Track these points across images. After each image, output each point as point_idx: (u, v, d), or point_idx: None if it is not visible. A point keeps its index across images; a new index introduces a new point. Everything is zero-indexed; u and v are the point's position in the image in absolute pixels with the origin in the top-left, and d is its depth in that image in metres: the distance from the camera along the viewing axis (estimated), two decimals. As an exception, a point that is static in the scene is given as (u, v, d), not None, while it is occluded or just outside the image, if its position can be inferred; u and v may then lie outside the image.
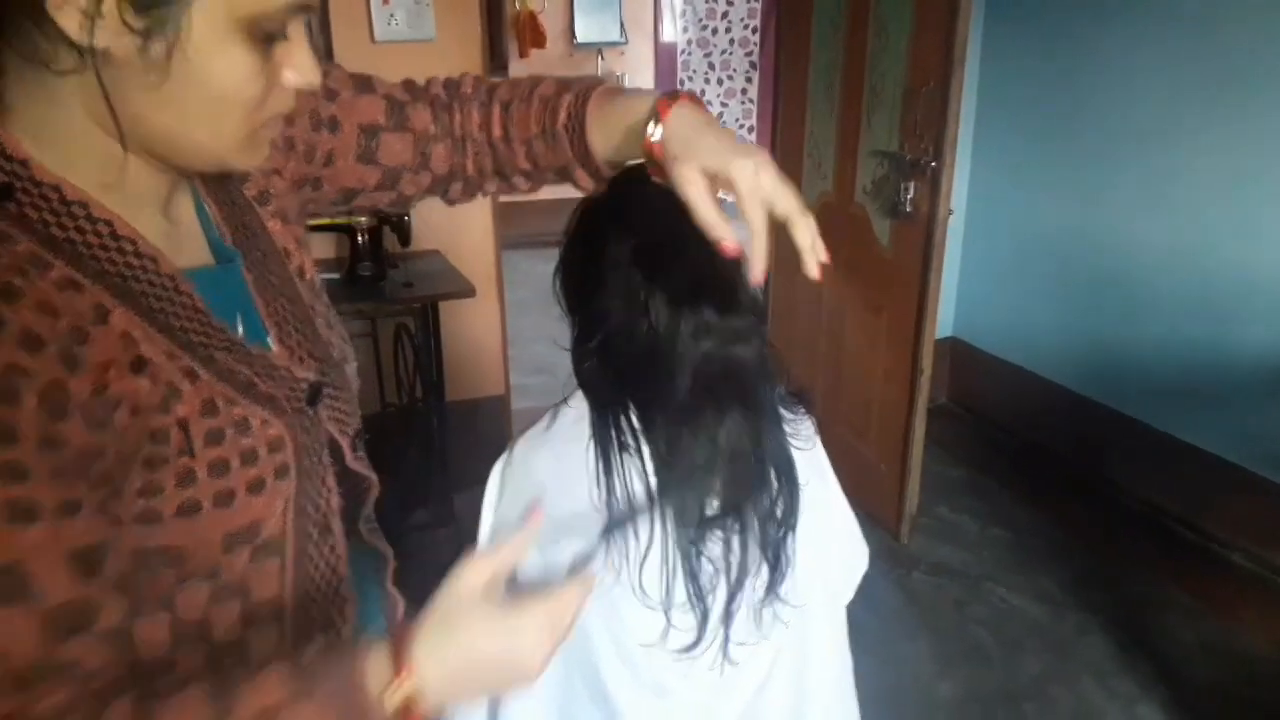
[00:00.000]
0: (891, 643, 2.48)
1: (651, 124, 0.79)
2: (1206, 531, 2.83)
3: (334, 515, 0.83)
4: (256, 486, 0.71)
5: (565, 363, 1.16)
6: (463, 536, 2.70)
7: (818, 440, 1.23)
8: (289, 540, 0.76)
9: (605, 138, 0.87)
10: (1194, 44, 2.73)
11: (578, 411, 1.12)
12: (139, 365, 0.64)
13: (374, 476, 0.91)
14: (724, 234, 0.79)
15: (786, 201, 0.77)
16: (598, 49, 6.57)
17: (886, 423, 2.92)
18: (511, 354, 3.32)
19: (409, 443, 2.80)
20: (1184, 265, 2.83)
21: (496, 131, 0.96)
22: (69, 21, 0.57)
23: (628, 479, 1.07)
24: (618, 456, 1.08)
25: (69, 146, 0.65)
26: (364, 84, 0.94)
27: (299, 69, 0.68)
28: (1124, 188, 3.01)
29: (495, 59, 5.94)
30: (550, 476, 1.12)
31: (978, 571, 2.81)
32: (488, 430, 3.17)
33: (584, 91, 0.89)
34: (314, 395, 0.79)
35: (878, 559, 1.30)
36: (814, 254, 0.81)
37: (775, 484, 1.12)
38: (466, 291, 2.63)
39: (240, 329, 0.75)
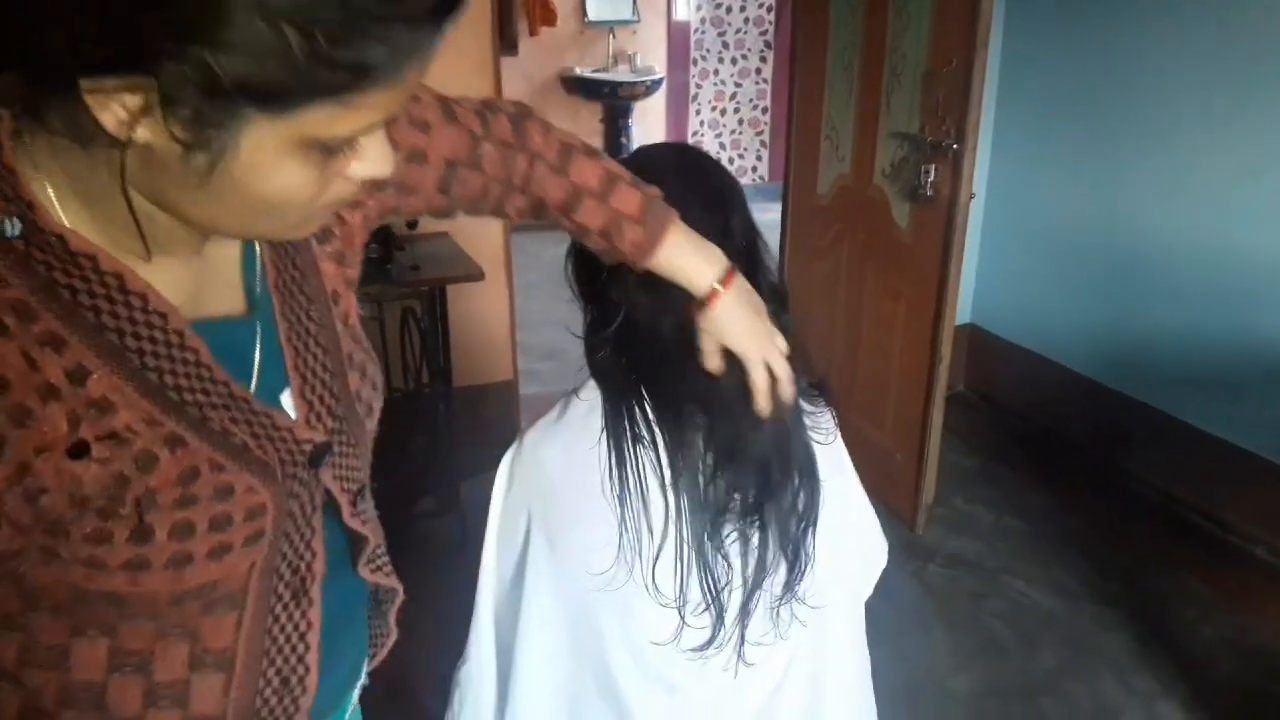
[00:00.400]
0: (906, 636, 2.44)
1: (700, 303, 0.98)
2: (1226, 523, 2.79)
3: (313, 581, 0.79)
4: (220, 552, 0.68)
5: (576, 348, 1.13)
6: (468, 524, 2.69)
7: (838, 433, 1.19)
8: (250, 597, 0.73)
9: (654, 269, 0.98)
10: (1219, 29, 2.66)
11: (590, 402, 1.08)
12: (108, 436, 0.61)
13: (372, 536, 0.87)
14: (709, 367, 1.02)
15: (775, 372, 1.01)
16: (609, 27, 6.48)
17: (903, 411, 2.86)
18: (520, 338, 3.28)
19: (415, 429, 2.76)
20: (1205, 252, 2.78)
21: (558, 203, 0.98)
22: (109, 119, 0.53)
23: (641, 472, 1.04)
24: (631, 449, 1.04)
25: (97, 203, 0.61)
26: (449, 112, 0.92)
27: (371, 163, 0.63)
28: (1145, 173, 2.95)
29: (505, 38, 5.87)
30: (561, 468, 1.09)
31: (994, 563, 2.76)
32: (495, 416, 3.13)
33: (658, 232, 0.96)
34: (317, 457, 0.76)
35: (893, 551, 1.27)
36: (764, 397, 1.00)
37: (795, 479, 1.08)
38: (475, 275, 2.58)
39: (254, 383, 0.72)
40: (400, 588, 1.03)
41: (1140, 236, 3.00)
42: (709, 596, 1.05)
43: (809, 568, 1.10)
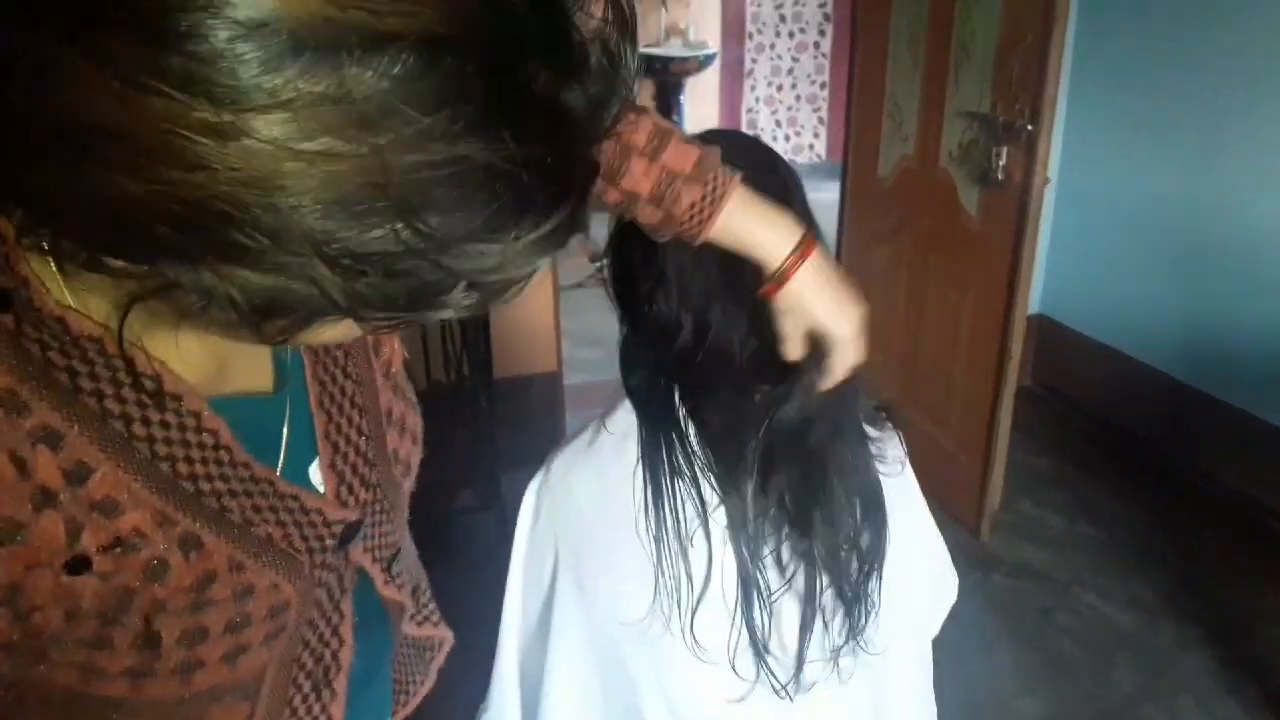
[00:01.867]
0: (968, 654, 2.29)
1: (774, 280, 0.85)
2: (1317, 534, 2.61)
3: (338, 672, 0.70)
4: (235, 654, 0.59)
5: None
6: (509, 520, 2.59)
7: (907, 463, 1.06)
8: (266, 688, 0.64)
9: (718, 240, 0.85)
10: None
11: (625, 425, 0.97)
12: (112, 545, 0.52)
13: (408, 602, 0.81)
14: (790, 356, 0.90)
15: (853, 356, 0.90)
16: (661, 0, 6.34)
17: (968, 409, 2.71)
18: (565, 324, 3.18)
19: (456, 422, 2.69)
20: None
21: (603, 168, 0.85)
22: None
23: (681, 511, 0.92)
24: (669, 483, 0.92)
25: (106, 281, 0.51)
26: None
27: None
28: (1235, 156, 2.77)
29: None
30: (591, 500, 0.98)
31: (1065, 575, 2.61)
32: (539, 408, 3.05)
33: (717, 191, 0.83)
34: (348, 536, 0.68)
35: (954, 559, 1.16)
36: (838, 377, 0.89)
37: (859, 515, 0.95)
38: (568, 249, 2.48)
39: (281, 460, 0.64)
40: (450, 636, 0.96)
41: (1225, 223, 2.83)
42: (759, 649, 0.94)
43: (873, 614, 0.98)
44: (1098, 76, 3.23)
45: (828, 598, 0.96)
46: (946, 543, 1.16)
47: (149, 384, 0.54)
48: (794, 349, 0.89)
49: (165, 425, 0.55)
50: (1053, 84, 2.30)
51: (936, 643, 1.15)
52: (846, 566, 0.96)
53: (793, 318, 0.87)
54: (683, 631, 0.92)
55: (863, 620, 0.98)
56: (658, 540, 0.92)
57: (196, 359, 0.58)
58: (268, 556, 0.60)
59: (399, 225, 0.38)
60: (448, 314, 0.44)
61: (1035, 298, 3.52)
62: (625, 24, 0.45)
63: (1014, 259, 2.45)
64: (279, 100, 0.34)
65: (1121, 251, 3.23)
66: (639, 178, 0.82)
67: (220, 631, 0.58)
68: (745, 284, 0.89)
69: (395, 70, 0.35)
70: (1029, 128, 2.35)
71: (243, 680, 0.63)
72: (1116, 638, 2.39)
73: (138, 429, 0.54)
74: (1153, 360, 3.14)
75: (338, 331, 0.47)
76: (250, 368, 0.65)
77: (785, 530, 0.94)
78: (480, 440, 2.70)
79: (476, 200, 0.39)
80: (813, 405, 0.90)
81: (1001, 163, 2.44)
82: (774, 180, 0.94)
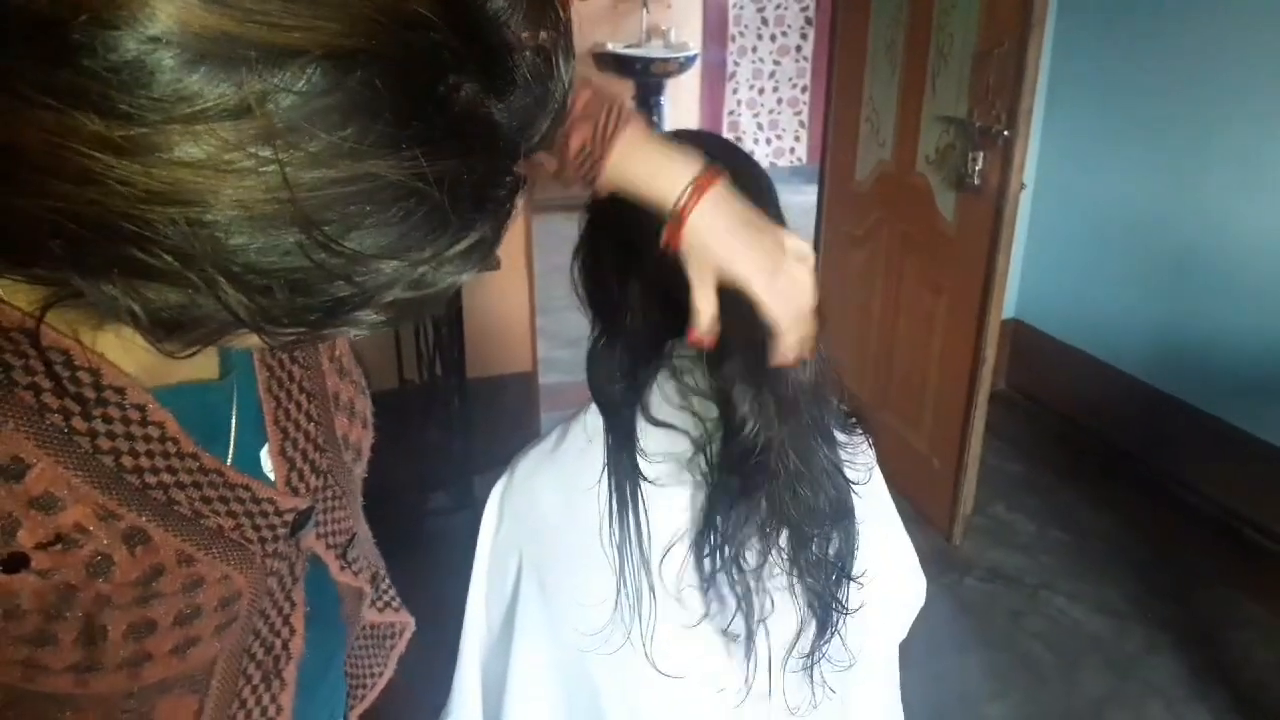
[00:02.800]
0: (939, 657, 2.30)
1: (672, 221, 0.76)
2: (1287, 540, 2.62)
3: (289, 661, 0.69)
4: (184, 647, 0.59)
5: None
6: (480, 521, 2.57)
7: (876, 468, 1.06)
8: (215, 679, 0.63)
9: (618, 186, 0.78)
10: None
11: (592, 430, 0.95)
12: (52, 542, 0.51)
13: (367, 587, 0.79)
14: (700, 326, 0.80)
15: (795, 308, 0.79)
16: (643, 1, 6.32)
17: (942, 413, 2.71)
18: (541, 324, 3.16)
19: (428, 423, 2.67)
20: (1274, 249, 2.60)
21: None
22: None
23: (645, 519, 0.91)
24: (634, 491, 0.91)
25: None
26: None
27: None
28: (1212, 161, 2.77)
29: (537, 11, 5.73)
30: (555, 506, 0.96)
31: (1035, 579, 2.61)
32: (513, 409, 3.02)
33: (607, 130, 0.76)
34: (300, 524, 0.67)
35: (927, 563, 1.15)
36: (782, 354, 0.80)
37: (828, 523, 0.94)
38: (490, 265, 2.44)
39: (232, 447, 0.63)
40: (411, 621, 0.94)
41: (1201, 230, 2.83)
42: (725, 657, 0.93)
43: (842, 620, 0.97)
44: (1075, 83, 3.23)
45: (797, 604, 0.95)
46: (919, 546, 1.15)
47: (86, 378, 0.53)
48: (705, 298, 0.78)
49: (108, 419, 0.54)
50: (1029, 90, 2.30)
51: (907, 645, 1.15)
52: (816, 574, 0.95)
53: (696, 261, 0.77)
54: (643, 643, 0.91)
55: (832, 628, 0.97)
56: (620, 550, 0.91)
57: (139, 349, 0.56)
58: (218, 548, 0.59)
59: (306, 243, 0.36)
60: (363, 330, 0.43)
61: (1010, 302, 3.51)
62: (559, 33, 0.43)
63: (989, 264, 2.45)
64: (177, 116, 0.33)
65: (1096, 257, 3.23)
66: None
67: (169, 624, 0.57)
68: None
69: (299, 85, 0.34)
70: (1005, 133, 2.35)
71: (192, 671, 0.62)
72: (1086, 642, 2.39)
73: (78, 423, 0.53)
74: (1126, 366, 3.14)
75: (248, 342, 0.46)
76: (196, 356, 0.63)
77: (752, 540, 0.92)
78: (453, 441, 2.68)
79: (387, 218, 0.37)
80: (760, 381, 0.85)
81: (978, 168, 2.44)
82: (741, 180, 0.93)
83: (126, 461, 0.55)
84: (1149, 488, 2.97)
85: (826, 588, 0.95)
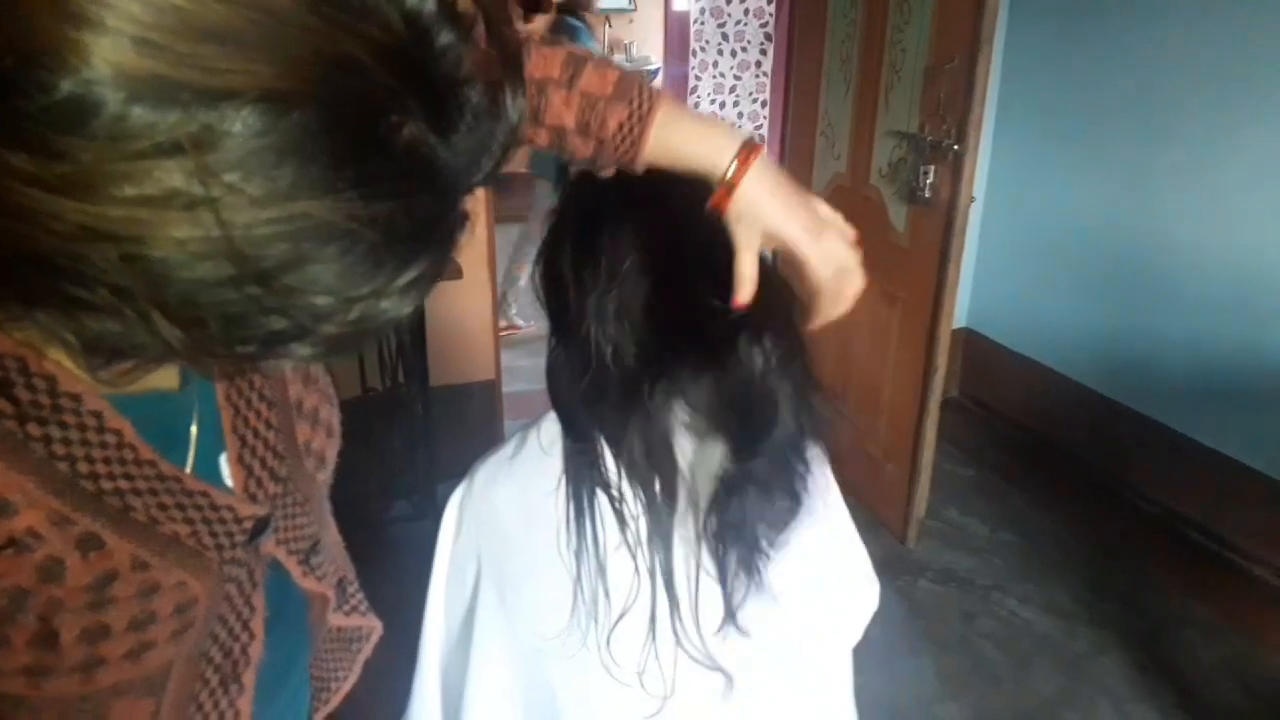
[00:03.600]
0: (893, 659, 2.34)
1: (723, 188, 0.78)
2: (1230, 542, 2.69)
3: (247, 666, 0.69)
4: (139, 651, 0.58)
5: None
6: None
7: (828, 470, 1.08)
8: (172, 683, 0.63)
9: (658, 161, 0.80)
10: (1231, 26, 2.55)
11: (550, 437, 0.96)
12: (4, 546, 0.51)
13: (331, 593, 0.79)
14: (743, 295, 0.82)
15: (848, 281, 0.84)
16: (605, 16, 6.35)
17: (896, 420, 2.77)
18: (506, 332, 3.17)
19: (391, 430, 2.67)
20: (1217, 260, 2.68)
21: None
22: None
23: (601, 526, 0.92)
24: (591, 498, 0.92)
25: None
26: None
27: None
28: (1157, 177, 2.84)
29: (499, 23, 5.73)
30: (514, 513, 0.97)
31: (987, 580, 2.67)
32: (477, 417, 3.03)
33: (643, 107, 0.78)
34: (258, 530, 0.67)
35: (882, 566, 1.16)
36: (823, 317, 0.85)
37: (778, 529, 0.96)
38: (451, 274, 2.47)
39: (191, 455, 0.62)
40: (379, 626, 0.94)
41: (1145, 242, 2.90)
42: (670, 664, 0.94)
43: (753, 587, 0.97)
44: (1025, 98, 3.29)
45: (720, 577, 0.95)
46: (874, 549, 1.16)
47: (42, 384, 0.53)
48: (748, 264, 0.82)
49: (64, 425, 0.54)
50: (979, 105, 2.36)
51: (861, 647, 1.15)
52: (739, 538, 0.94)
53: (746, 225, 0.80)
54: (599, 648, 0.91)
55: (744, 594, 0.96)
56: (578, 556, 0.91)
57: None
58: (174, 554, 0.59)
59: (241, 280, 0.37)
60: (300, 362, 0.43)
61: (962, 312, 3.58)
62: (509, 67, 0.43)
63: (940, 275, 2.50)
64: (111, 155, 0.33)
65: (1046, 269, 3.29)
66: (560, 109, 0.79)
67: (123, 629, 0.57)
68: (672, 305, 0.88)
69: (234, 127, 0.34)
70: (955, 147, 2.40)
71: (148, 676, 0.61)
72: (1036, 643, 2.44)
73: (33, 429, 0.52)
74: (1075, 374, 3.19)
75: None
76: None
77: (705, 543, 0.93)
78: (416, 449, 2.68)
79: (323, 256, 0.37)
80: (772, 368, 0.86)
81: (929, 181, 2.50)
82: (693, 186, 0.95)
83: (82, 467, 0.54)
84: (1097, 491, 3.03)
85: (752, 555, 0.94)
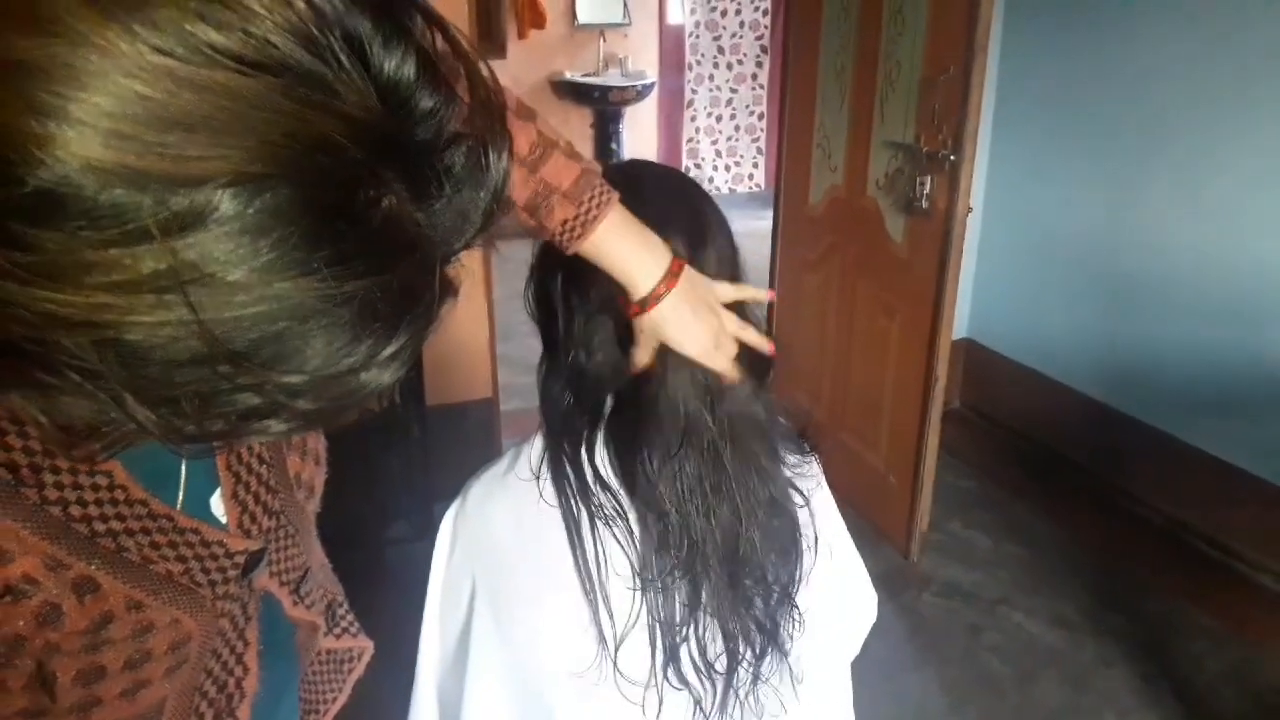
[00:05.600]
0: (898, 673, 2.32)
1: (638, 304, 0.86)
2: (1234, 550, 2.68)
3: (242, 700, 0.69)
4: (134, 690, 0.59)
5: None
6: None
7: (824, 484, 1.07)
8: (165, 717, 0.63)
9: (589, 257, 0.86)
10: (1226, 35, 2.56)
11: (540, 453, 0.96)
12: (2, 594, 0.51)
13: (320, 620, 0.80)
14: (639, 362, 0.92)
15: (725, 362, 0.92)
16: (599, 30, 6.37)
17: (897, 432, 2.75)
18: (503, 350, 3.15)
19: (388, 450, 2.65)
20: (1216, 267, 2.68)
21: None
22: None
23: (599, 544, 0.91)
24: (578, 514, 0.92)
25: None
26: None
27: None
28: (1152, 185, 2.85)
29: (492, 39, 5.76)
30: (508, 531, 0.97)
31: (992, 593, 2.64)
32: (474, 437, 3.01)
33: (590, 213, 0.84)
34: (251, 565, 0.67)
35: (885, 580, 1.16)
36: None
37: (774, 550, 0.96)
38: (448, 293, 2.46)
39: (181, 494, 0.62)
40: (369, 646, 0.94)
41: (1144, 250, 2.90)
42: (684, 683, 0.94)
43: (788, 642, 0.98)
44: (1022, 107, 3.29)
45: (749, 633, 0.96)
46: (878, 563, 1.16)
47: (31, 430, 0.52)
48: (643, 357, 0.91)
49: (55, 470, 0.54)
50: (974, 115, 2.35)
51: (867, 662, 1.15)
52: (761, 599, 0.96)
53: (647, 336, 0.89)
54: (598, 666, 0.91)
55: (782, 652, 0.98)
56: (578, 570, 0.91)
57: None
58: (168, 593, 0.59)
59: (214, 360, 0.36)
60: (275, 438, 0.43)
61: (963, 323, 3.57)
62: (495, 123, 0.42)
63: (938, 285, 2.49)
64: (79, 245, 0.33)
65: (1046, 278, 3.29)
66: (517, 186, 0.82)
67: (119, 669, 0.57)
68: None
69: (203, 212, 0.33)
70: (952, 158, 2.39)
71: (143, 713, 0.61)
72: (1041, 655, 2.42)
73: (25, 475, 0.52)
74: (1076, 383, 3.19)
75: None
76: None
77: (698, 569, 0.92)
78: (413, 469, 2.66)
79: (297, 336, 0.37)
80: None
81: (926, 191, 2.49)
82: (684, 210, 0.95)
83: (75, 511, 0.54)
84: (1100, 501, 3.02)
85: (772, 611, 0.96)
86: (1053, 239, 3.24)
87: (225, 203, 0.33)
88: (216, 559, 0.63)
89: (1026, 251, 3.37)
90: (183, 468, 0.64)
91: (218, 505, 0.66)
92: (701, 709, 0.94)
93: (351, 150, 0.35)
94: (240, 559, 0.65)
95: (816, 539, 1.00)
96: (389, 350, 0.40)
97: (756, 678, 0.96)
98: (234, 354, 0.36)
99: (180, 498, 0.63)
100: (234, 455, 0.67)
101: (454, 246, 0.42)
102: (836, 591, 1.09)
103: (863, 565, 1.16)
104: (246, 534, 0.67)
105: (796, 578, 0.96)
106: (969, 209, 2.44)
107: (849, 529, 1.12)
